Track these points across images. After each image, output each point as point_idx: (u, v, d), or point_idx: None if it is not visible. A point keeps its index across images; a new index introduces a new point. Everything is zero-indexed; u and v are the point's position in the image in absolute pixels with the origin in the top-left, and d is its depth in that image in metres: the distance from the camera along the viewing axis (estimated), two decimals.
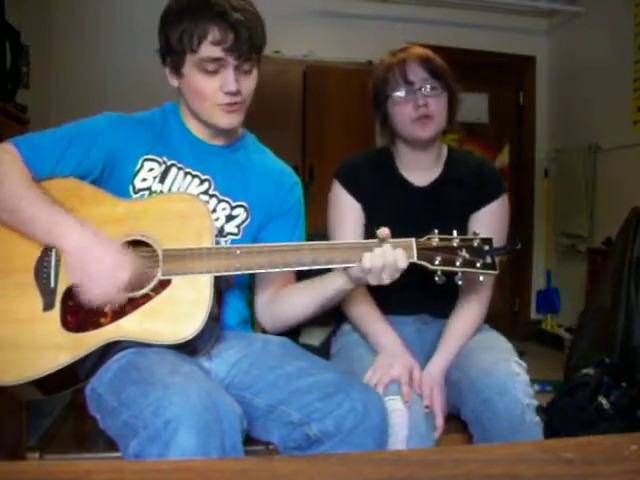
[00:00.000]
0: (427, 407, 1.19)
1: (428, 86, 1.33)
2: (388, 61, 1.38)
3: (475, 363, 1.22)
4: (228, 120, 1.19)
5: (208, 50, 1.11)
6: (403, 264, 1.07)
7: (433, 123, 1.34)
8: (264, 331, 1.38)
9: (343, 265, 1.10)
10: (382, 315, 1.34)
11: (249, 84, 1.19)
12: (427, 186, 1.42)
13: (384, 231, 1.08)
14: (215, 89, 1.15)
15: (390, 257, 1.06)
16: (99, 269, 1.02)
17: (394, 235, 1.09)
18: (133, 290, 1.07)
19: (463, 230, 1.33)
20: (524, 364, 1.22)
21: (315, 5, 3.79)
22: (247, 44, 1.12)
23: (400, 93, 1.34)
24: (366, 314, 1.34)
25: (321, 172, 3.54)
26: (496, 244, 1.12)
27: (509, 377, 1.15)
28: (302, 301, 1.22)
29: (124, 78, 3.50)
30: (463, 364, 1.25)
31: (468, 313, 1.33)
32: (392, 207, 1.39)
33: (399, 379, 1.19)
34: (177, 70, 1.17)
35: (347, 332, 1.42)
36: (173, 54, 1.16)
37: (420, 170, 1.43)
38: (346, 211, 1.41)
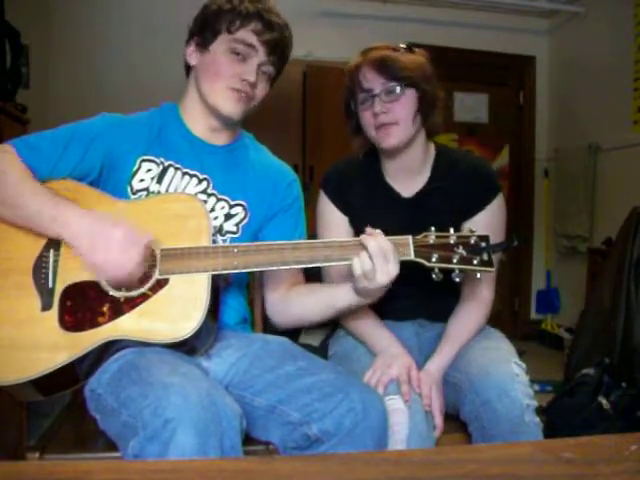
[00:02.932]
0: (427, 406, 1.19)
1: (385, 90, 1.26)
2: (347, 69, 1.33)
3: (475, 364, 1.21)
4: (232, 107, 1.20)
5: (245, 35, 1.18)
6: (394, 271, 1.07)
7: (397, 129, 1.27)
8: (264, 330, 1.38)
9: (341, 263, 1.11)
10: (378, 319, 1.33)
11: (262, 88, 1.23)
12: (413, 196, 1.37)
13: (370, 229, 1.09)
14: (234, 73, 1.18)
15: (373, 247, 1.06)
16: (112, 246, 1.02)
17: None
18: (131, 289, 1.07)
19: None
20: (524, 365, 1.21)
21: (315, 5, 3.79)
22: (279, 48, 1.21)
23: (361, 102, 1.29)
24: (362, 320, 1.32)
25: (321, 172, 3.50)
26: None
27: (509, 378, 1.15)
28: (316, 308, 1.23)
29: (123, 78, 3.50)
30: (462, 364, 1.24)
31: (470, 315, 1.32)
32: (379, 219, 1.26)
33: (398, 378, 1.19)
34: (204, 46, 1.20)
35: (343, 335, 1.41)
36: (207, 29, 1.20)
37: (406, 177, 1.37)
38: (333, 223, 1.38)
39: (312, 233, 1.39)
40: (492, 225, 1.31)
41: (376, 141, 1.31)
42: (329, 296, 1.21)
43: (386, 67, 1.26)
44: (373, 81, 1.27)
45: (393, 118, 1.27)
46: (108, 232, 1.04)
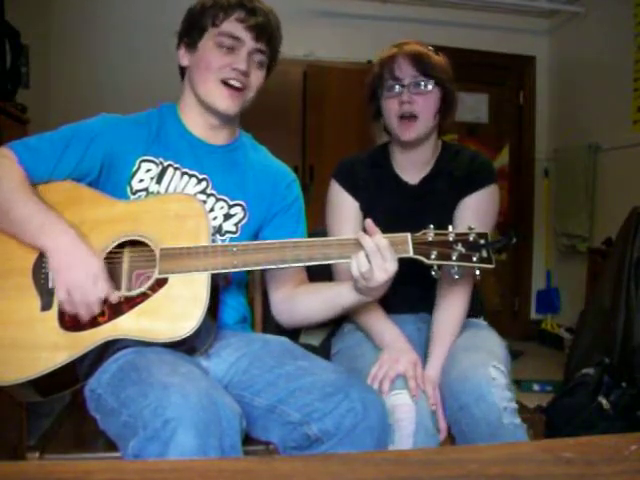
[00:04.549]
0: (433, 405, 1.19)
1: (415, 83, 1.32)
2: (381, 56, 1.39)
3: (454, 367, 1.22)
4: (226, 103, 1.20)
5: (230, 26, 1.18)
6: (392, 267, 1.07)
7: (418, 123, 1.33)
8: (264, 330, 1.38)
9: (340, 261, 1.12)
10: (384, 312, 1.34)
11: (256, 77, 1.22)
12: (418, 183, 1.43)
13: (369, 224, 1.09)
14: (224, 64, 1.18)
15: (369, 245, 1.07)
16: (85, 273, 1.03)
17: (391, 233, 1.10)
18: (131, 289, 1.07)
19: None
20: (503, 367, 1.20)
21: (315, 5, 3.79)
22: (266, 32, 1.20)
23: (388, 89, 1.35)
24: (369, 312, 1.33)
25: (321, 172, 3.55)
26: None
27: (485, 382, 1.14)
28: (321, 307, 1.23)
29: (123, 78, 3.50)
30: (444, 368, 1.25)
31: (452, 305, 1.32)
32: (387, 206, 1.40)
33: (405, 374, 1.19)
34: (193, 45, 1.21)
35: (348, 332, 1.42)
36: (194, 29, 1.21)
37: (413, 168, 1.43)
38: (345, 210, 1.41)
39: (312, 232, 1.39)
40: (480, 209, 1.35)
41: (395, 132, 1.37)
42: (334, 294, 1.21)
43: (420, 62, 1.32)
44: (406, 72, 1.33)
45: (416, 110, 1.33)
46: (85, 258, 1.04)
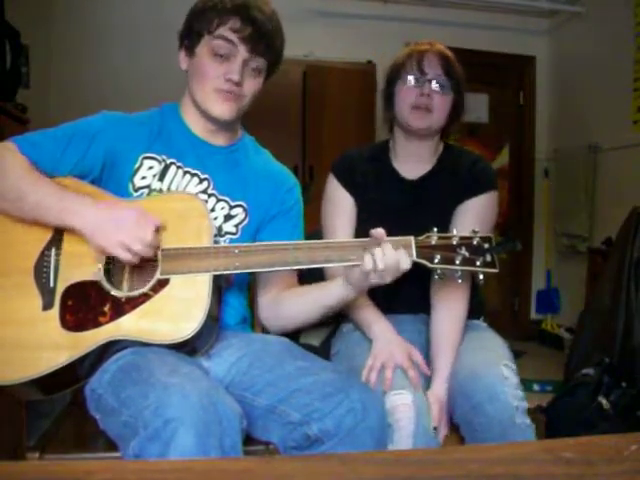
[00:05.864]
0: (436, 422, 1.19)
1: (439, 81, 1.36)
2: (410, 49, 1.42)
3: (465, 367, 1.21)
4: (221, 109, 1.19)
5: (224, 34, 1.16)
6: (406, 265, 1.07)
7: (430, 117, 1.36)
8: (264, 331, 1.38)
9: (342, 264, 1.11)
10: (375, 306, 1.34)
11: (252, 84, 1.21)
12: (417, 179, 1.43)
13: (379, 231, 1.08)
14: (218, 74, 1.17)
15: (391, 258, 1.06)
16: (126, 226, 1.04)
17: (383, 228, 1.09)
18: (132, 289, 1.07)
19: (449, 222, 1.36)
20: (514, 366, 1.20)
21: (315, 5, 3.79)
22: (262, 43, 1.17)
23: (411, 78, 1.37)
24: (359, 305, 1.33)
25: (321, 172, 3.53)
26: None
27: (498, 381, 1.14)
28: (305, 308, 1.23)
29: (124, 78, 3.50)
30: (453, 368, 1.25)
31: (454, 313, 1.32)
32: (382, 200, 1.40)
33: (402, 364, 1.19)
34: (191, 49, 1.21)
35: (347, 332, 1.42)
36: (192, 33, 1.20)
37: (412, 163, 1.44)
38: (339, 204, 1.42)
39: (310, 234, 1.39)
40: (479, 213, 1.36)
41: (406, 119, 1.38)
42: (319, 293, 1.20)
43: (448, 65, 1.38)
44: (433, 69, 1.37)
45: (432, 105, 1.36)
46: (120, 215, 1.05)
